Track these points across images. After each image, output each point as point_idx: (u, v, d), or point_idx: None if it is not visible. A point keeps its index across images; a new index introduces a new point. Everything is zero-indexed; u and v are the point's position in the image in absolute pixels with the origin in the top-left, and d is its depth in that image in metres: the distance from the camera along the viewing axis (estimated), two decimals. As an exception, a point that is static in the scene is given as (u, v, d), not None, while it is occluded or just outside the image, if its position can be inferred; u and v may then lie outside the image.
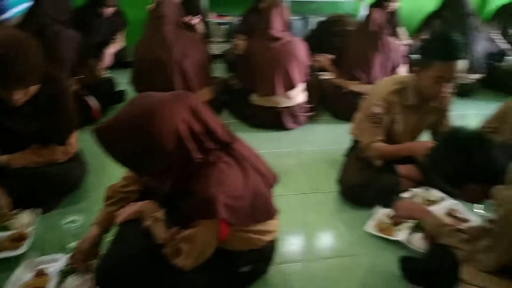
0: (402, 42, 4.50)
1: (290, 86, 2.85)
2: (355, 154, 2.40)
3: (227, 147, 1.39)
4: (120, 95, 3.20)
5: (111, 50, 3.59)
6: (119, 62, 3.71)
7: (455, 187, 1.52)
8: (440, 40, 1.90)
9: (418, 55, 2.03)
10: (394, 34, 4.69)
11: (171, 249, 1.36)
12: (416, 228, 1.94)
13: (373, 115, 2.12)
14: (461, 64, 1.87)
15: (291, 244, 1.96)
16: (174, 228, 1.38)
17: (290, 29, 3.01)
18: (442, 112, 2.26)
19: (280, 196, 2.23)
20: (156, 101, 1.22)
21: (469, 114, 3.56)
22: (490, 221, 1.40)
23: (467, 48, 3.63)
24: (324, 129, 3.10)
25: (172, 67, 2.71)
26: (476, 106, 3.74)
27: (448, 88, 1.98)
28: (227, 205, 1.28)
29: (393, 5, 4.49)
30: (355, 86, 3.02)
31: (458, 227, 1.61)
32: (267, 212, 1.53)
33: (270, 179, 1.57)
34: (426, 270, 1.63)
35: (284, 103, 2.89)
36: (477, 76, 3.81)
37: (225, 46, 4.25)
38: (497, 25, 4.85)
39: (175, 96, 1.29)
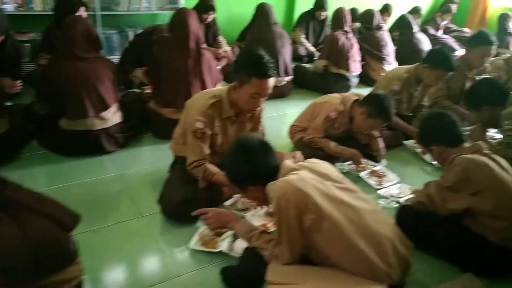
0: (223, 49, 4.70)
1: (103, 106, 2.65)
2: (177, 170, 2.38)
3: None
4: None
5: None
6: None
7: (240, 189, 1.66)
8: (255, 59, 1.96)
9: (235, 71, 2.06)
10: (216, 42, 4.88)
11: None
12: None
13: (196, 130, 2.12)
14: (273, 80, 2.00)
15: (111, 281, 1.80)
16: None
17: (99, 45, 2.79)
18: (257, 119, 2.40)
19: (100, 229, 2.08)
20: None
21: (288, 114, 3.90)
22: (269, 214, 1.53)
23: (278, 54, 3.97)
24: (149, 148, 2.99)
25: None
26: (293, 105, 4.12)
27: (262, 102, 2.10)
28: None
29: (210, 16, 4.66)
30: (173, 114, 2.90)
31: (265, 229, 1.71)
32: (62, 259, 1.35)
33: (66, 221, 1.40)
34: (240, 275, 1.68)
35: (99, 125, 2.68)
36: (288, 78, 4.18)
37: (29, 67, 3.78)
38: (302, 30, 5.46)
39: None
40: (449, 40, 5.83)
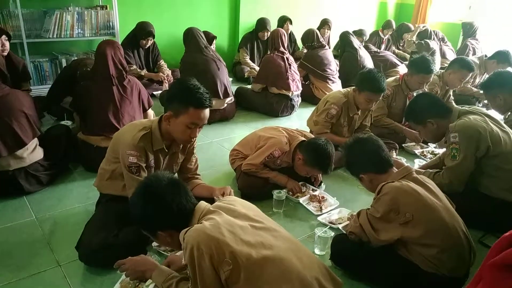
0: (164, 73, 4.59)
1: (18, 144, 2.43)
2: (100, 210, 2.20)
3: None
4: None
5: None
6: None
7: (150, 235, 1.54)
8: (191, 89, 1.90)
9: (169, 101, 1.99)
10: (157, 67, 4.77)
11: None
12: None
13: (130, 165, 1.99)
14: (208, 111, 1.96)
15: None
16: None
17: (26, 77, 2.58)
18: (190, 151, 2.31)
19: (9, 284, 1.85)
20: None
21: (233, 137, 3.75)
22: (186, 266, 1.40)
23: (214, 77, 3.86)
24: (79, 184, 2.77)
25: None
26: (238, 128, 4.01)
27: (198, 132, 2.03)
28: None
29: (149, 42, 4.56)
30: (102, 142, 2.76)
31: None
32: None
33: None
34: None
35: (15, 164, 2.44)
36: (229, 99, 4.07)
37: None
38: (246, 50, 5.43)
39: None
40: (390, 56, 5.99)
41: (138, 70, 4.49)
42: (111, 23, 4.50)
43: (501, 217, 2.26)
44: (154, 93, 4.44)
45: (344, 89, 3.32)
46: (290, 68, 4.30)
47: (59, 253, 2.08)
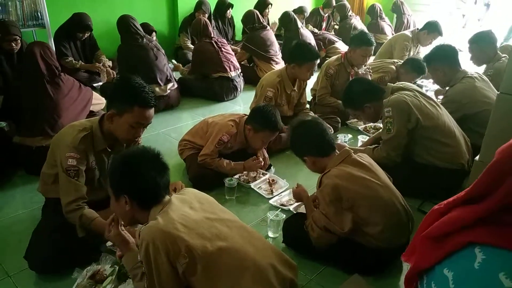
0: (102, 63, 4.41)
1: None
2: (47, 215, 2.12)
3: None
4: None
5: None
6: None
7: (113, 194, 1.57)
8: (136, 87, 1.87)
9: (112, 100, 1.95)
10: (96, 57, 4.56)
11: None
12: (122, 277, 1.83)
13: (68, 168, 1.91)
14: (153, 111, 1.95)
15: None
16: None
17: None
18: None
19: None
20: None
21: (180, 127, 3.70)
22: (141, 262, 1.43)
23: (153, 66, 3.79)
24: (21, 189, 2.63)
25: None
26: (184, 116, 3.98)
27: (143, 131, 2.01)
28: None
29: (84, 36, 4.36)
30: (42, 142, 2.64)
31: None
32: None
33: None
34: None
35: None
36: (171, 85, 4.00)
37: None
38: (187, 35, 5.36)
39: None
40: (327, 34, 6.14)
41: (74, 62, 4.27)
42: (39, 13, 4.21)
43: (435, 184, 2.45)
44: (94, 85, 4.27)
45: (277, 69, 3.42)
46: (221, 50, 4.32)
47: (7, 263, 2.00)
